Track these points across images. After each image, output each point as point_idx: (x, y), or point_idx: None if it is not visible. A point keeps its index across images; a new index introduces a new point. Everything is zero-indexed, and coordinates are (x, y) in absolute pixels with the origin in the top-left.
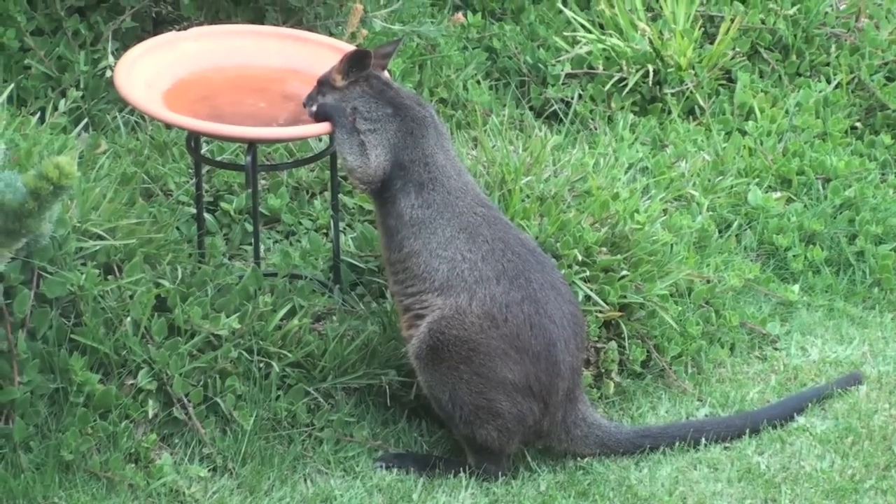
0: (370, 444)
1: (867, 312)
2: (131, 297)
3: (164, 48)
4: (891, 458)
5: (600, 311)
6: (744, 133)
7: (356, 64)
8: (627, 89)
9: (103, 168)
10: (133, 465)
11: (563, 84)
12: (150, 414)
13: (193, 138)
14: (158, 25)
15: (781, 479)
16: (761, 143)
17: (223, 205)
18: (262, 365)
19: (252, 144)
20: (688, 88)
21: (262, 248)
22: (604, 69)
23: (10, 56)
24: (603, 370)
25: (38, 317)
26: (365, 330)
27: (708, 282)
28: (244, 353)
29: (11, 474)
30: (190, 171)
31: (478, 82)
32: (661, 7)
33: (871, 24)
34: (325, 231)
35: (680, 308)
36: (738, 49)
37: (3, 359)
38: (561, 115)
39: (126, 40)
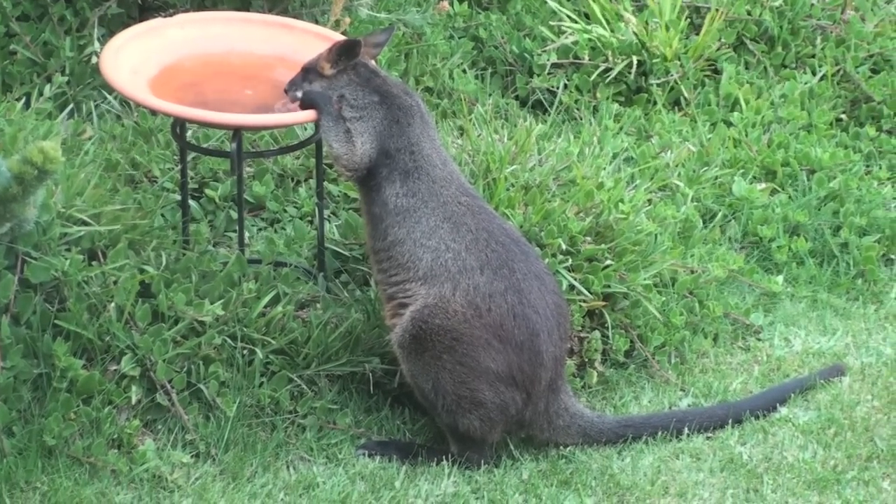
0: (353, 432)
1: (850, 304)
2: (115, 282)
3: (150, 35)
4: (872, 449)
5: (584, 301)
6: (729, 124)
7: (345, 53)
8: (612, 79)
9: (88, 154)
10: (116, 451)
11: (548, 74)
12: (134, 400)
13: (179, 125)
14: (144, 12)
15: (763, 469)
16: (746, 135)
17: (208, 192)
18: (245, 352)
19: (237, 131)
20: (673, 79)
21: (246, 235)
22: (589, 59)
23: None
24: (586, 360)
25: (21, 302)
26: (349, 317)
27: (692, 272)
28: (228, 339)
29: None
30: (175, 157)
31: (464, 71)
32: None
33: (857, 17)
34: (309, 219)
35: (664, 298)
36: (723, 40)
37: None
38: (546, 105)
39: (112, 26)
